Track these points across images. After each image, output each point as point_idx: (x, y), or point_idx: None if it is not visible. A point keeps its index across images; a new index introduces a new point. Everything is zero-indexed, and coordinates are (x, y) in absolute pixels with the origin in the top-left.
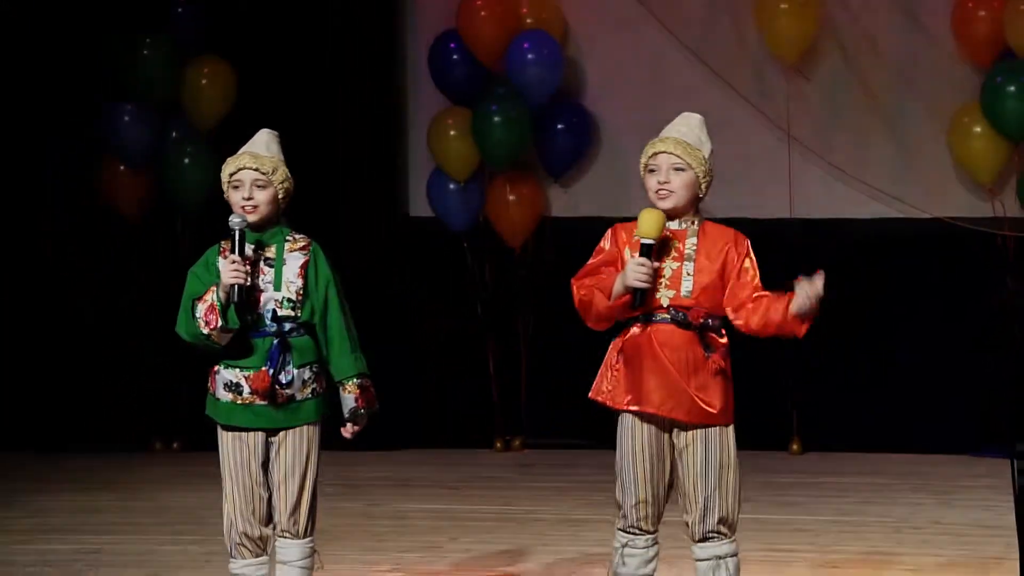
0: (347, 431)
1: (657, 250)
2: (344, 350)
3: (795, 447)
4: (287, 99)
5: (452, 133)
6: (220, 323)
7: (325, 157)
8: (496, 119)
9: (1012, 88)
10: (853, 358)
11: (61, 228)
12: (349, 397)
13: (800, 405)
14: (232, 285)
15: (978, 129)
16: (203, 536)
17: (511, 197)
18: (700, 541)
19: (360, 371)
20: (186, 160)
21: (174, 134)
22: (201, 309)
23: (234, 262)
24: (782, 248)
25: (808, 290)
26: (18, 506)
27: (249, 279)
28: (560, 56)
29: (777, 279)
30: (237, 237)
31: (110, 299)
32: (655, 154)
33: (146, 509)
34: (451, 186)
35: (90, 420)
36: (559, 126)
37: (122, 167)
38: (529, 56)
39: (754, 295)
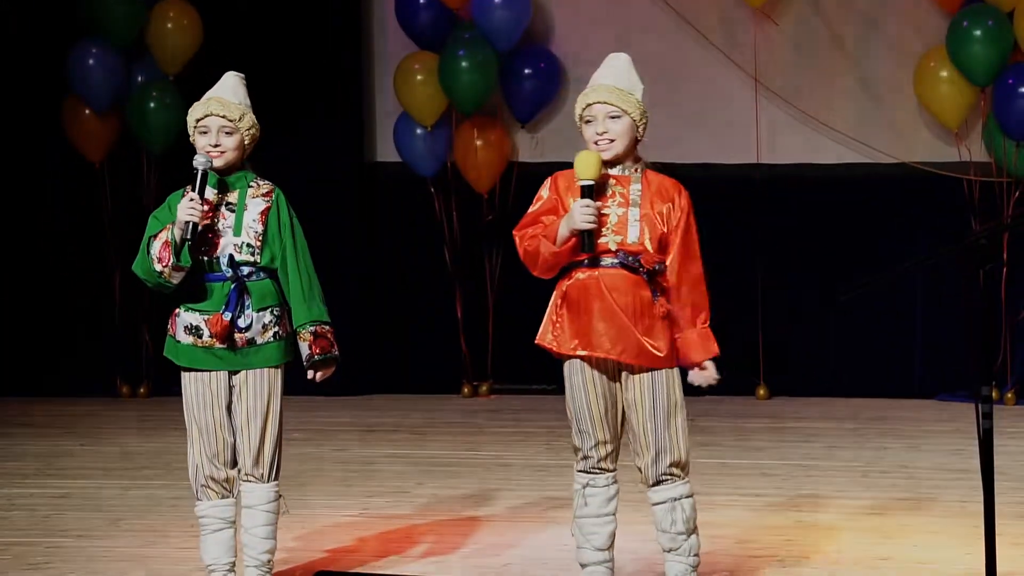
0: (312, 377)
1: (597, 189)
2: (300, 298)
3: (762, 392)
4: (253, 43)
5: (419, 78)
6: (172, 260)
7: (291, 101)
8: (463, 64)
9: (978, 32)
10: (820, 303)
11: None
12: (303, 345)
13: (767, 351)
14: (187, 223)
15: (944, 74)
16: (170, 481)
17: (478, 142)
18: (654, 485)
19: (314, 319)
20: (152, 103)
21: (140, 77)
22: (156, 246)
23: (192, 200)
24: (749, 193)
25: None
26: None
27: (205, 218)
28: (527, 0)
29: (743, 225)
30: (199, 177)
31: (78, 245)
32: (589, 105)
33: (113, 454)
34: (418, 131)
35: (57, 365)
36: (526, 71)
37: (87, 110)
38: (496, 0)
39: (693, 264)
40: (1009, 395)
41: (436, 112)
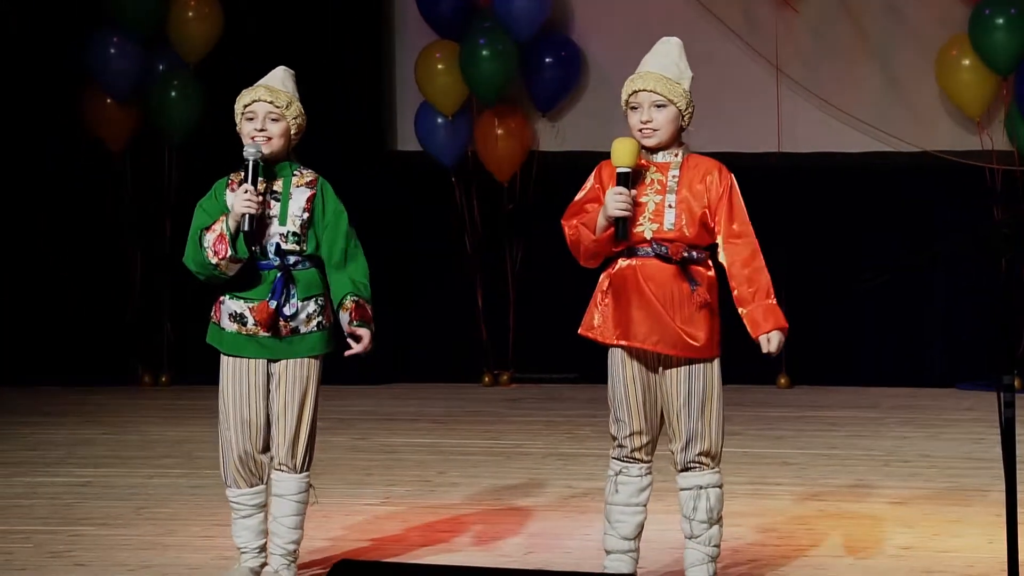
0: (352, 348)
1: (634, 177)
2: (343, 273)
3: (783, 381)
4: (274, 32)
5: (440, 67)
6: (229, 252)
7: (312, 90)
8: (484, 53)
9: (1000, 20)
10: (841, 292)
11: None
12: (344, 315)
13: (788, 339)
14: (244, 214)
15: (966, 62)
16: (191, 469)
17: (499, 131)
18: (683, 471)
19: (354, 291)
20: (173, 93)
21: (161, 66)
22: (210, 239)
23: (247, 191)
24: (770, 182)
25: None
26: (8, 439)
27: (260, 208)
28: None
29: (763, 214)
30: (251, 167)
31: (99, 234)
32: (635, 92)
33: (134, 442)
34: (439, 120)
35: (79, 354)
36: (547, 60)
37: (108, 99)
38: None
39: (743, 241)
40: None
41: (457, 101)
